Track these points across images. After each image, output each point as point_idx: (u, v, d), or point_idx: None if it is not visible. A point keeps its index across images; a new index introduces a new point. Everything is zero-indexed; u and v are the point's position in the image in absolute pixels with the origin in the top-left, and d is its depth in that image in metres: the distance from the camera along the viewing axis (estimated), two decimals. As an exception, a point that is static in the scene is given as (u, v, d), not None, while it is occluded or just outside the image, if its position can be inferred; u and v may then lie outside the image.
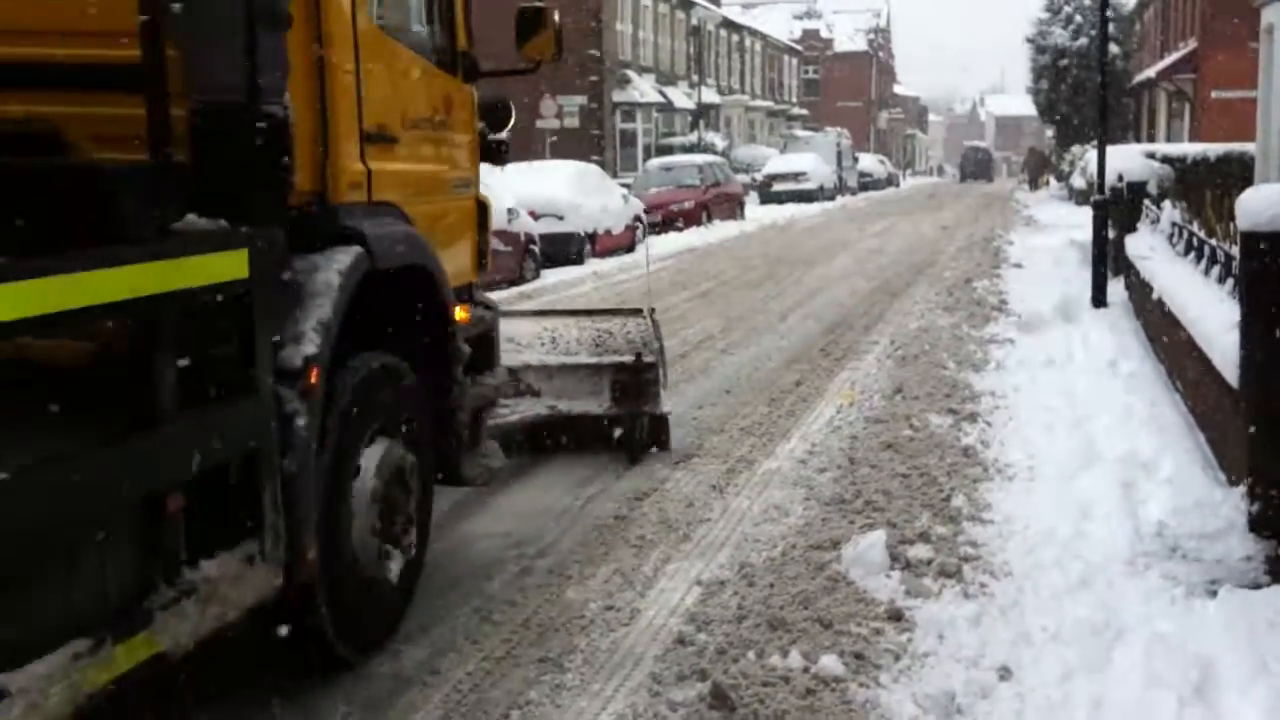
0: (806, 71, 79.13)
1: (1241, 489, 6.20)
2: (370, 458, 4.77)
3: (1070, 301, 14.61)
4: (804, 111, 72.31)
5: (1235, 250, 7.50)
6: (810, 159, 44.34)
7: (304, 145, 4.48)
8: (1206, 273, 8.56)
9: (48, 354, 3.64)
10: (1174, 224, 10.65)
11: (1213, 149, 23.03)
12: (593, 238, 20.84)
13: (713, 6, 52.03)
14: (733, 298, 16.67)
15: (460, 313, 5.68)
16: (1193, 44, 34.44)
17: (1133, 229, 14.13)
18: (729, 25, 55.34)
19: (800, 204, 38.27)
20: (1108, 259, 14.23)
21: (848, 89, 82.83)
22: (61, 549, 3.16)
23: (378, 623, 4.93)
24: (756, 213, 34.10)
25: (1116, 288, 14.47)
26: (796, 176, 41.44)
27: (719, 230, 26.43)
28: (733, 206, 31.00)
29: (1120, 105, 42.35)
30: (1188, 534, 6.11)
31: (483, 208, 6.41)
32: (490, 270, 6.71)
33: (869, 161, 60.26)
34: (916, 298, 16.00)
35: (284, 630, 4.23)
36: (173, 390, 3.48)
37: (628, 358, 7.91)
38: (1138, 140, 38.95)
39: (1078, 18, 46.52)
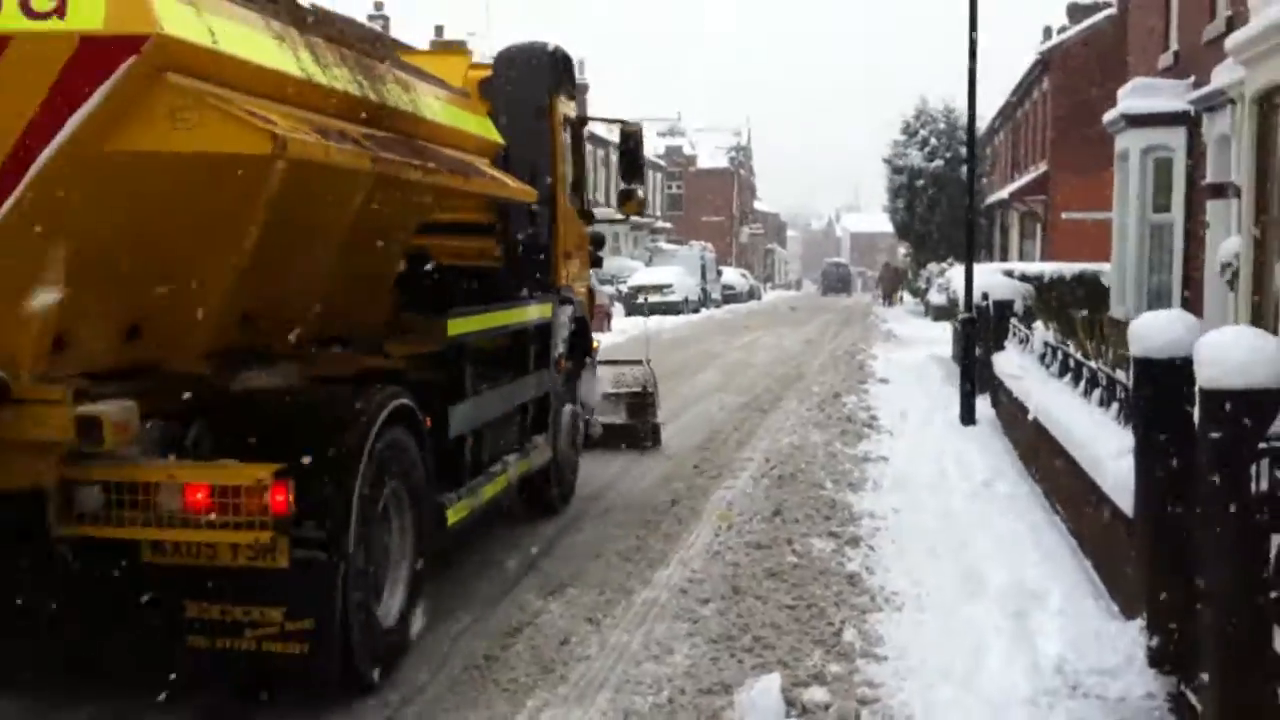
0: (670, 187, 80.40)
1: (1139, 622, 6.00)
2: (568, 407, 10.15)
3: (939, 419, 14.66)
4: (668, 225, 73.25)
5: (1120, 375, 7.44)
6: (675, 271, 44.67)
7: (558, 269, 9.79)
8: (1086, 395, 8.51)
9: (492, 345, 8.45)
10: (1047, 344, 10.69)
11: (1068, 268, 23.78)
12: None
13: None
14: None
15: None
16: (1043, 167, 35.78)
17: (1000, 347, 14.25)
18: (594, 140, 55.91)
19: (666, 315, 38.40)
20: (975, 377, 14.30)
21: (710, 204, 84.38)
22: (507, 417, 8.47)
23: (570, 487, 10.24)
24: (623, 324, 33.99)
25: (983, 405, 14.55)
26: (662, 289, 41.61)
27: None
28: (600, 318, 30.81)
29: (975, 224, 43.82)
30: (1088, 669, 5.85)
31: (590, 291, 11.34)
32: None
33: (732, 275, 61.11)
34: (788, 412, 15.87)
35: (527, 492, 9.45)
36: (529, 362, 8.95)
37: (637, 389, 13.04)
38: (991, 258, 40.16)
39: (932, 140, 48.20)
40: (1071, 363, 9.38)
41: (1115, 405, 7.42)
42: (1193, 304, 17.00)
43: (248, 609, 5.30)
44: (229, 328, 5.72)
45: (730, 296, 56.02)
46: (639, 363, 13.15)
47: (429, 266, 7.98)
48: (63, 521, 5.06)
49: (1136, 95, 18.10)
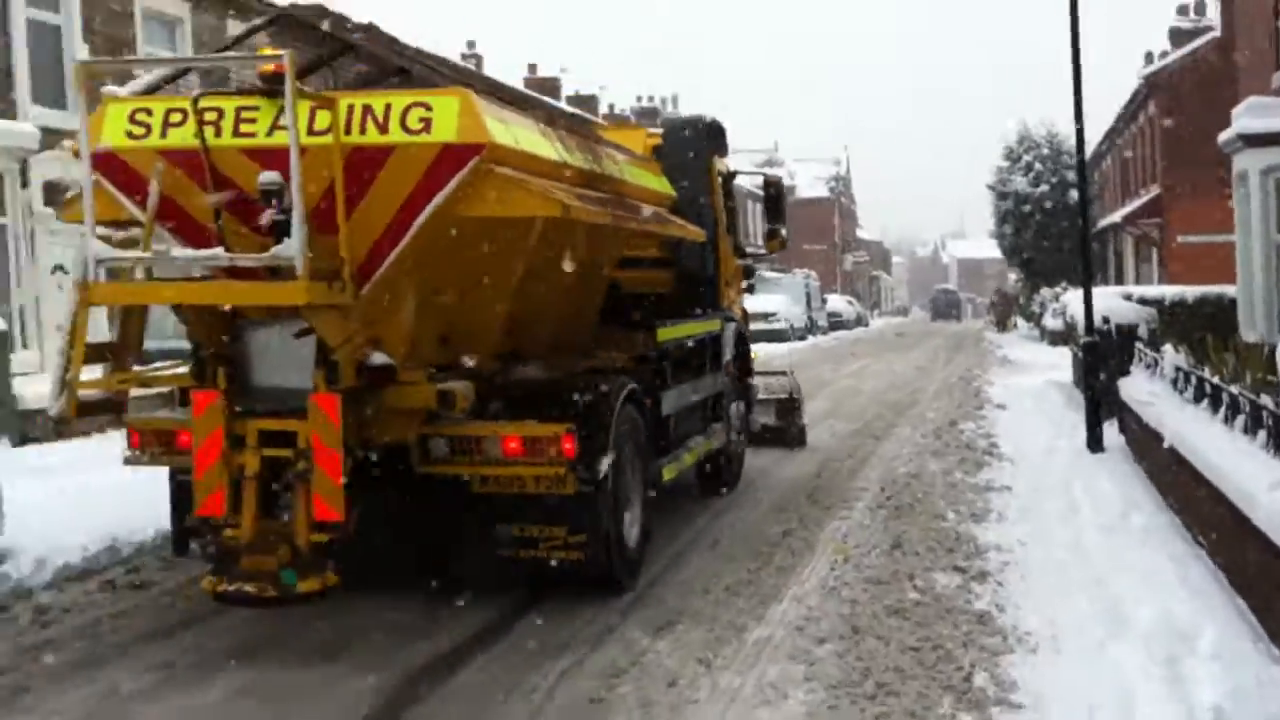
0: (771, 216, 79.88)
1: (1307, 668, 5.47)
2: (736, 404, 12.18)
3: (1064, 446, 14.03)
4: (770, 255, 72.69)
5: (1267, 400, 6.90)
6: (780, 299, 44.15)
7: (722, 293, 11.97)
8: (1227, 421, 7.95)
9: (683, 351, 10.42)
10: (1179, 369, 10.10)
11: (1190, 291, 22.81)
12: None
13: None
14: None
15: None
16: (1155, 190, 34.72)
17: (1125, 372, 13.61)
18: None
19: (771, 343, 37.94)
20: (1100, 403, 13.65)
21: (812, 232, 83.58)
22: (696, 406, 10.55)
23: (738, 473, 12.20)
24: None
25: (1110, 431, 13.89)
26: (767, 316, 41.17)
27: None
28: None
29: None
30: (1250, 720, 5.35)
31: (745, 312, 13.55)
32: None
33: (837, 302, 60.38)
34: (901, 440, 15.35)
35: (709, 469, 11.43)
36: (710, 364, 11.08)
37: (784, 395, 15.07)
38: (1106, 283, 39.01)
39: (1037, 165, 47.21)
40: (1208, 388, 8.81)
41: (1263, 433, 6.87)
42: (1328, 324, 16.17)
43: (542, 527, 7.69)
44: (503, 336, 8.05)
45: (837, 323, 55.30)
46: (784, 373, 15.68)
47: (621, 291, 10.51)
48: (421, 463, 7.58)
49: (1252, 115, 17.31)
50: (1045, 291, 41.30)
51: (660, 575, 8.60)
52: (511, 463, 7.50)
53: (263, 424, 6.91)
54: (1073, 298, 24.28)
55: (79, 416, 7.39)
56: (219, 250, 6.69)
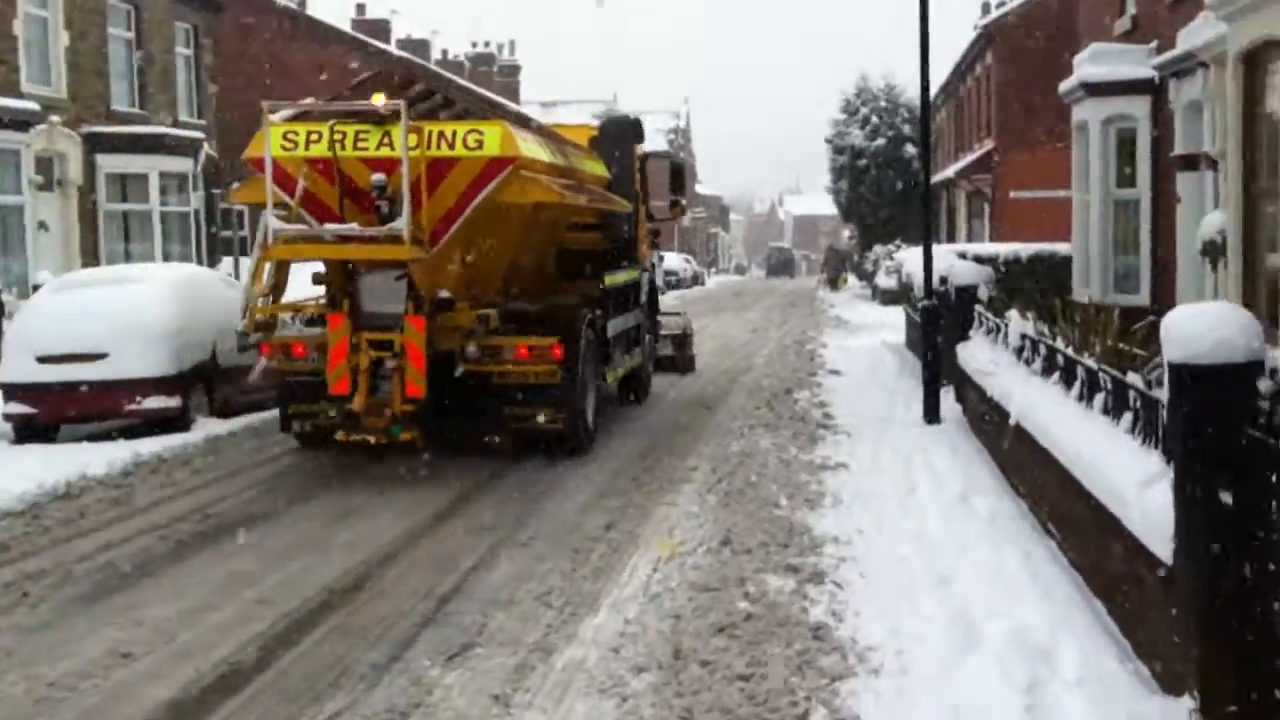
0: (608, 170, 78.74)
1: (1188, 701, 4.72)
2: (648, 336, 16.14)
3: (900, 417, 13.40)
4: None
5: (1133, 378, 6.15)
6: (614, 257, 43.23)
7: (642, 250, 15.77)
8: (1084, 399, 7.22)
9: (617, 292, 13.98)
10: (1026, 337, 9.41)
11: (1024, 249, 22.66)
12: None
13: (508, 104, 50.80)
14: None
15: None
16: (989, 145, 34.73)
17: (964, 337, 12.99)
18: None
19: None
20: (938, 372, 13.03)
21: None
22: (624, 334, 14.25)
23: (647, 389, 15.91)
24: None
25: (947, 400, 13.30)
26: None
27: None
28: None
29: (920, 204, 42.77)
30: (1127, 768, 4.57)
31: (653, 265, 17.38)
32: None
33: (674, 260, 59.62)
34: (735, 410, 14.54)
35: (625, 389, 15.31)
36: (633, 303, 15.05)
37: (678, 331, 18.62)
38: (939, 240, 39.10)
39: (874, 119, 47.03)
40: (1060, 359, 8.10)
41: (1128, 416, 6.12)
42: (1164, 285, 15.89)
43: (537, 407, 11.40)
44: (503, 280, 12.21)
45: (673, 283, 54.59)
46: (679, 314, 20.05)
47: (566, 248, 14.08)
48: (461, 363, 11.12)
49: (1095, 62, 16.85)
50: (878, 249, 41.30)
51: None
52: (520, 363, 11.33)
53: (371, 335, 10.75)
54: (907, 256, 23.93)
55: (255, 330, 11.28)
56: (354, 225, 10.48)
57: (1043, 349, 8.67)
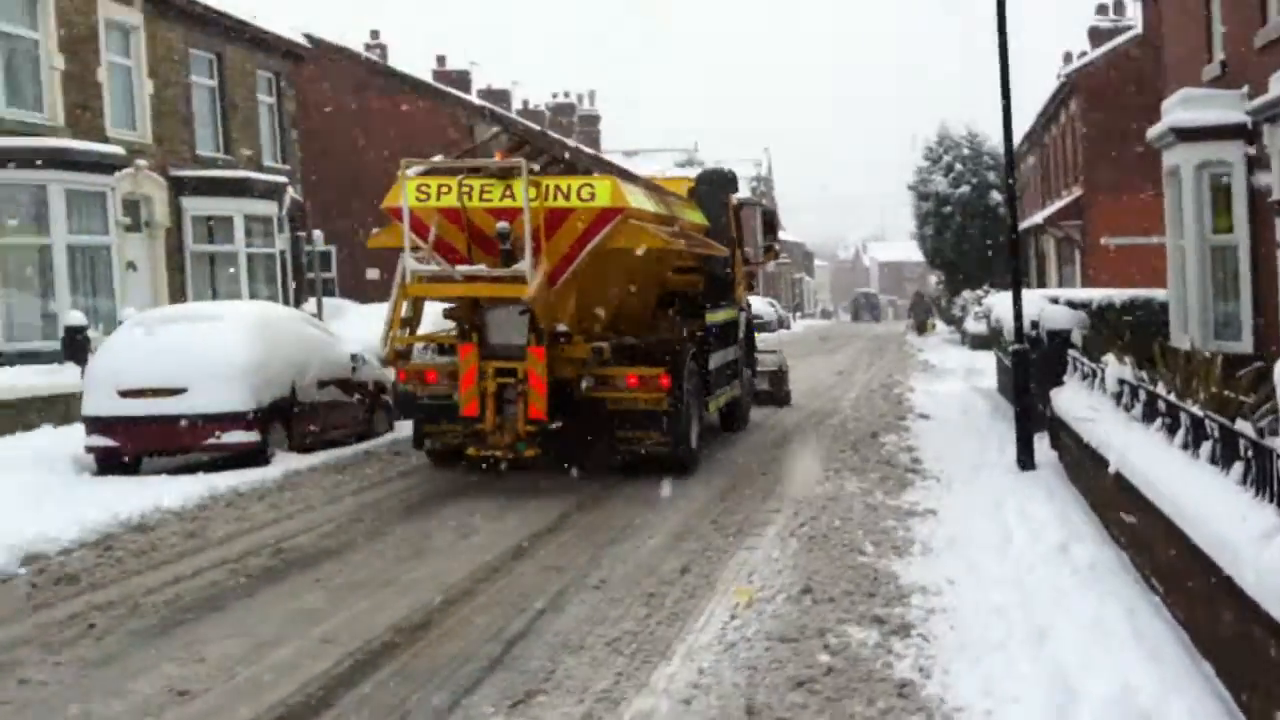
0: (691, 217, 78.69)
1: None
2: (746, 370, 17.79)
3: (992, 463, 12.92)
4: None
5: (1246, 428, 5.73)
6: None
7: (738, 291, 17.20)
8: (1189, 448, 6.78)
9: (717, 330, 15.42)
10: (1124, 383, 8.96)
11: (1117, 294, 21.89)
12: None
13: (590, 151, 51.08)
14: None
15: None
16: (1077, 191, 34.02)
17: (1058, 382, 12.52)
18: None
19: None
20: (1031, 416, 12.55)
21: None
22: (723, 367, 15.55)
23: (745, 419, 17.36)
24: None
25: (1041, 447, 12.82)
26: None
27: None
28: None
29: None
30: None
31: (749, 304, 19.18)
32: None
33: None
34: (820, 454, 14.16)
35: (725, 419, 16.65)
36: (731, 340, 16.36)
37: (774, 368, 20.03)
38: (1027, 286, 38.30)
39: (957, 166, 46.51)
40: (1162, 405, 7.66)
41: (1239, 466, 5.69)
42: (1267, 331, 15.25)
43: (647, 431, 12.67)
44: (612, 316, 13.22)
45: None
46: (775, 352, 21.30)
47: (669, 288, 15.08)
48: (578, 392, 12.29)
49: (1186, 107, 16.28)
50: (966, 294, 40.60)
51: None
52: (631, 391, 12.55)
53: (497, 364, 11.98)
54: (996, 300, 23.34)
55: (396, 359, 12.68)
56: (482, 266, 11.83)
57: (1143, 394, 8.23)
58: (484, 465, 12.15)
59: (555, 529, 10.26)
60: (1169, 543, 6.64)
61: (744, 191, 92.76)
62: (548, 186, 11.79)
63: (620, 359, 12.71)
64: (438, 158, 13.48)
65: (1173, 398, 7.48)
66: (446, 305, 12.85)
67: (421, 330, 12.79)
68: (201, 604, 7.88)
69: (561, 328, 12.06)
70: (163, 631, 7.27)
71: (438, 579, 8.46)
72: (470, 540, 9.74)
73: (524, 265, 11.43)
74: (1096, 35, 36.87)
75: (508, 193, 11.72)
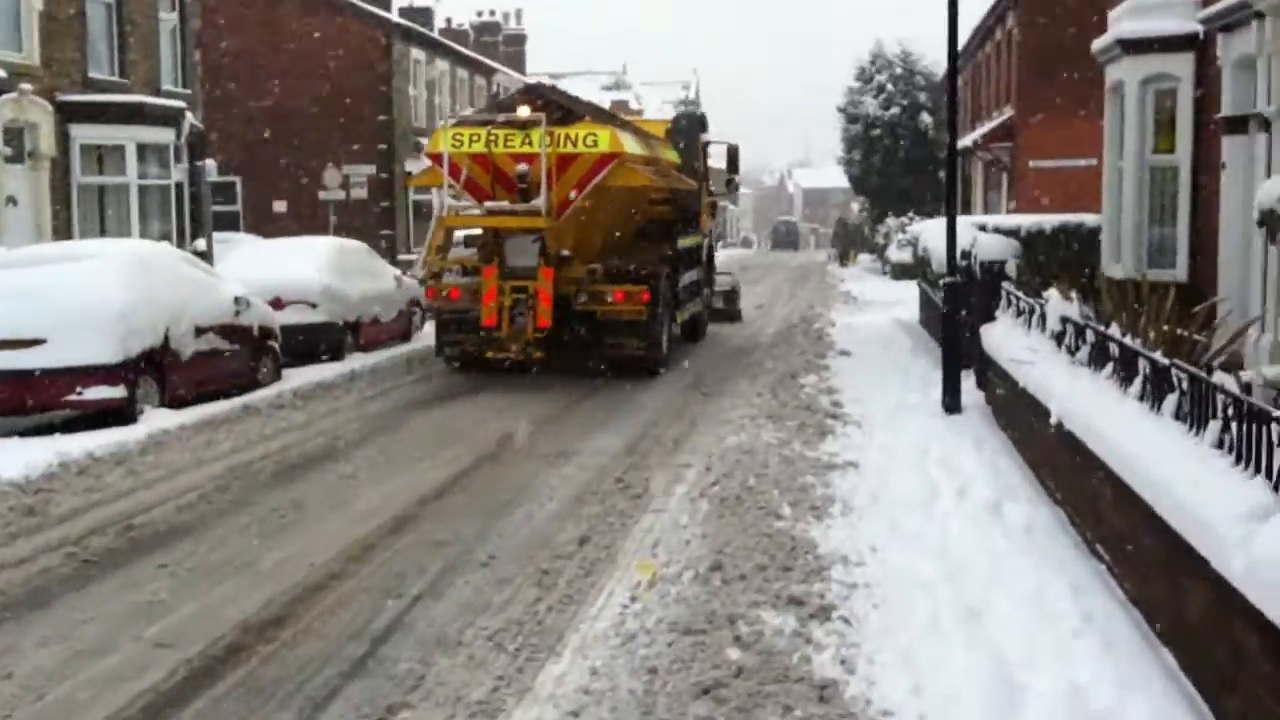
0: (615, 142, 77.13)
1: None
2: (705, 289, 20.27)
3: (916, 404, 12.19)
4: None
5: (1224, 379, 4.93)
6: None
7: (703, 220, 19.79)
8: (1147, 399, 6.00)
9: (685, 253, 17.96)
10: (1069, 321, 8.17)
11: (1047, 220, 21.16)
12: (356, 327, 17.55)
13: (514, 74, 49.37)
14: (521, 391, 13.92)
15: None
16: (1009, 112, 33.28)
17: (989, 317, 11.78)
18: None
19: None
20: (959, 355, 11.80)
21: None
22: (689, 285, 17.92)
23: (704, 331, 19.87)
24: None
25: (967, 386, 12.10)
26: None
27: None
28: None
29: (938, 176, 41.27)
30: None
31: (711, 230, 21.58)
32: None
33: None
34: (736, 398, 13.35)
35: (687, 330, 18.68)
36: (695, 263, 18.91)
37: (729, 287, 22.45)
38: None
39: (889, 87, 45.47)
40: (1115, 350, 6.86)
41: (1215, 427, 4.90)
42: (1203, 259, 14.62)
43: (628, 338, 15.11)
44: (602, 242, 15.91)
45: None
46: (729, 274, 23.66)
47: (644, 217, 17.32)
48: (575, 304, 14.94)
49: (1134, 17, 15.44)
50: (891, 221, 39.95)
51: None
52: (617, 305, 14.88)
53: (513, 282, 14.45)
54: (923, 228, 22.62)
55: (430, 279, 15.50)
56: (504, 202, 14.46)
57: (1091, 336, 7.44)
58: (505, 365, 14.92)
59: (443, 494, 9.33)
60: (1122, 510, 5.87)
61: (666, 113, 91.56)
62: (559, 135, 14.34)
63: (608, 279, 15.14)
64: (469, 110, 16.93)
65: (1129, 340, 6.68)
66: (468, 233, 15.80)
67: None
68: (24, 600, 6.85)
69: (565, 252, 14.85)
70: (-32, 637, 6.26)
71: (304, 558, 7.50)
72: (347, 510, 8.77)
73: (539, 201, 14.07)
74: (1041, -56, 35.77)
75: (526, 140, 14.27)
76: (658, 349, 15.43)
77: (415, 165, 38.22)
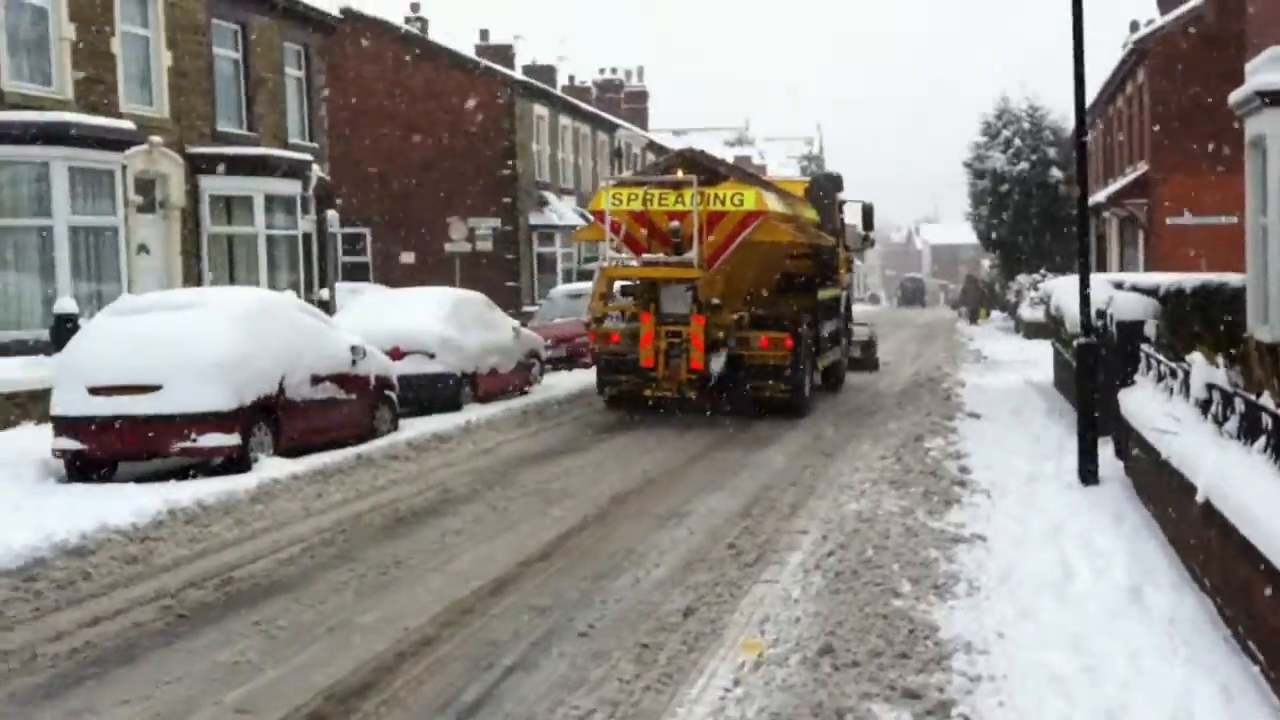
0: (740, 197, 76.94)
1: None
2: (844, 339, 22.11)
3: (1049, 474, 11.52)
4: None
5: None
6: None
7: (841, 274, 21.23)
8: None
9: (825, 304, 19.45)
10: (1216, 389, 7.55)
11: (1186, 279, 20.23)
12: (473, 379, 17.50)
13: (637, 129, 49.65)
14: (631, 456, 13.52)
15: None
16: (1142, 168, 32.22)
17: (1128, 381, 11.10)
18: (654, 148, 52.92)
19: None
20: (1095, 421, 11.13)
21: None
22: (829, 334, 19.51)
23: (841, 380, 20.98)
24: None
25: (1105, 454, 11.40)
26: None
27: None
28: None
29: (1069, 232, 40.09)
30: None
31: (849, 284, 23.60)
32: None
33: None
34: (857, 461, 12.84)
35: (826, 378, 19.51)
36: (835, 313, 20.51)
37: (866, 338, 23.93)
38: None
39: (1016, 141, 44.45)
40: (1268, 422, 6.25)
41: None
42: (1363, 322, 13.69)
43: (773, 381, 16.58)
44: (747, 292, 17.53)
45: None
46: (866, 325, 24.79)
47: (787, 270, 18.87)
48: (726, 348, 16.38)
49: (1273, 67, 14.61)
50: (1022, 279, 38.88)
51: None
52: (762, 350, 16.42)
53: (668, 327, 16.04)
54: (1056, 285, 21.79)
55: (594, 323, 17.20)
56: (660, 255, 16.16)
57: (1241, 405, 6.82)
58: (655, 405, 16.68)
59: (549, 554, 9.02)
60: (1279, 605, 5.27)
61: (791, 169, 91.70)
62: (709, 194, 16.02)
63: (754, 325, 16.79)
64: (628, 174, 19.95)
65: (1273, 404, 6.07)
66: (626, 283, 17.12)
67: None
68: (111, 655, 6.71)
69: (715, 301, 16.20)
70: (49, 695, 6.10)
71: (399, 620, 7.24)
72: (448, 569, 8.51)
73: (691, 254, 15.76)
74: (1166, 1, 34.87)
75: (679, 199, 15.99)
76: (800, 393, 16.66)
77: (538, 218, 38.67)
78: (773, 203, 16.62)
